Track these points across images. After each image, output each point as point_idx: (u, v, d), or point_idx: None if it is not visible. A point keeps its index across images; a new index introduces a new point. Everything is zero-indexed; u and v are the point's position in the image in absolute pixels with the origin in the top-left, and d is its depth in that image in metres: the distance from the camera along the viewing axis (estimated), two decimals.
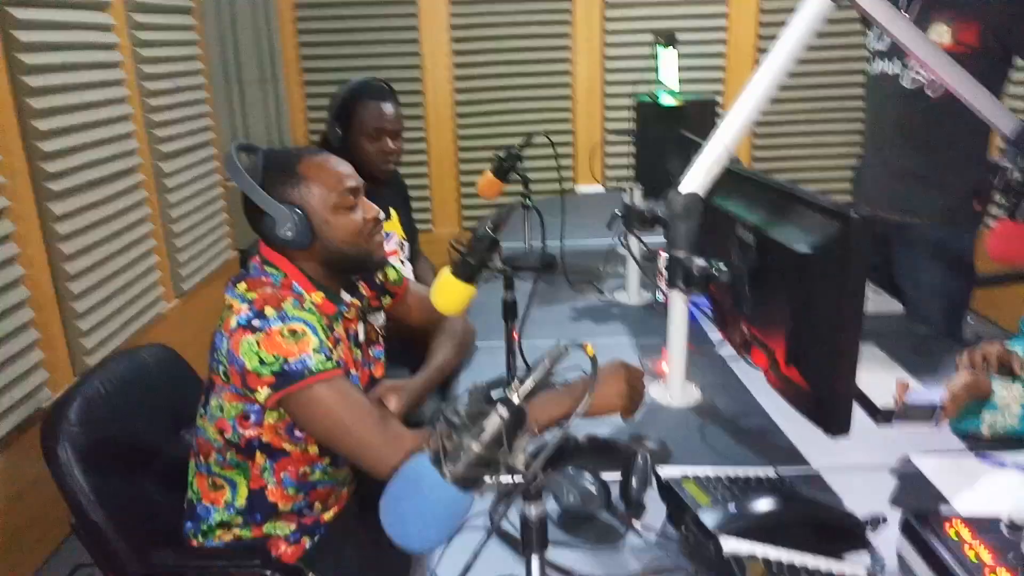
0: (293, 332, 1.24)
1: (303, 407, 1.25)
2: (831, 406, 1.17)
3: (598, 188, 3.07)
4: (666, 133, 1.91)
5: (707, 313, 1.82)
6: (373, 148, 2.10)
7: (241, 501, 1.39)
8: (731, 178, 1.50)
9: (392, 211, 2.26)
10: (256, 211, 1.33)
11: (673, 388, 1.49)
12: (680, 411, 1.47)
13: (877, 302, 1.89)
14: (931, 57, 1.40)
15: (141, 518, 1.38)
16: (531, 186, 2.21)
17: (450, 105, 3.61)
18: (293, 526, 1.44)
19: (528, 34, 3.54)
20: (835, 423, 1.19)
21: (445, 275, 1.39)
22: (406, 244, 2.31)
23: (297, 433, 1.35)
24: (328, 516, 1.49)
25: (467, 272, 1.38)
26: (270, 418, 1.32)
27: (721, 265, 1.36)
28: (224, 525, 1.41)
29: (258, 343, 1.23)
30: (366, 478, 1.61)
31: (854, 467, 1.26)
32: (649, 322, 1.87)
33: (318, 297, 1.37)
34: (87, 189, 2.34)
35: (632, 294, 2.02)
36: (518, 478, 0.75)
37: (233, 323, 1.26)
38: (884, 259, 2.18)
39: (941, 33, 1.98)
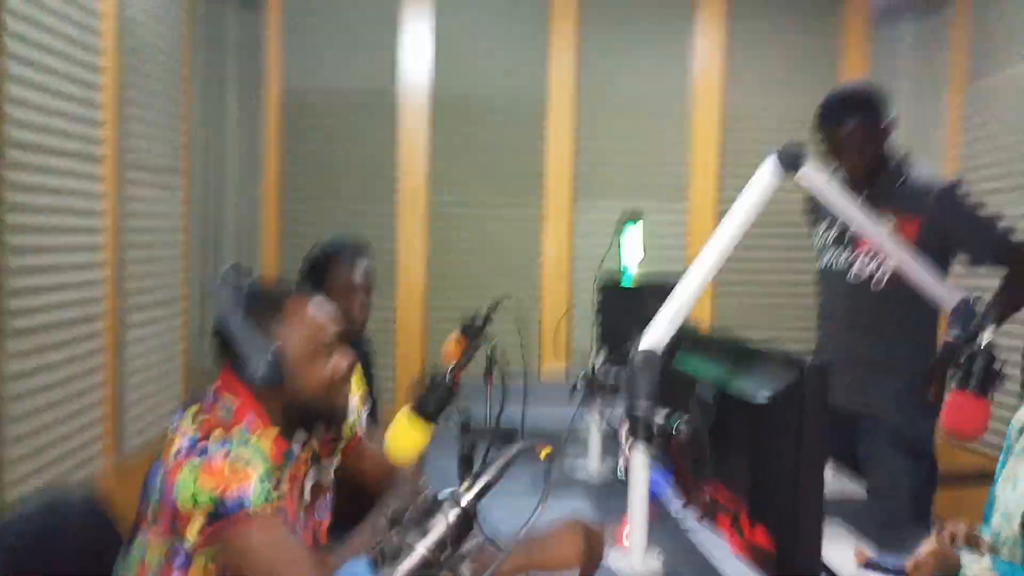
0: (236, 461, 1.19)
1: (235, 548, 1.17)
2: (798, 562, 1.12)
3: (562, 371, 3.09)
4: (628, 312, 1.97)
5: (669, 483, 1.78)
6: (344, 306, 2.12)
7: None
8: (690, 341, 1.54)
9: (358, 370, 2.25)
10: (226, 338, 1.30)
11: (634, 554, 1.41)
12: None
13: (841, 486, 1.86)
14: (873, 232, 1.50)
15: None
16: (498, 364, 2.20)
17: (423, 277, 3.70)
18: None
19: (501, 221, 3.72)
20: None
21: (401, 419, 1.36)
22: (364, 411, 2.27)
23: None
24: None
25: (424, 415, 1.36)
26: (197, 563, 1.22)
27: (682, 421, 1.35)
28: None
29: (196, 475, 1.17)
30: None
31: None
32: (610, 496, 1.81)
33: (271, 435, 1.31)
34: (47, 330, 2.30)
35: (592, 469, 1.97)
36: None
37: (173, 451, 1.20)
38: (847, 449, 2.17)
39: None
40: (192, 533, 1.15)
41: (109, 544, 1.41)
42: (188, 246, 3.35)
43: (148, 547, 1.22)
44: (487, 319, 2.23)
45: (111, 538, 1.44)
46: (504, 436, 2.25)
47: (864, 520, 1.67)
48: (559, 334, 3.39)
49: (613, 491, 1.86)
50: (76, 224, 2.48)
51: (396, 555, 0.67)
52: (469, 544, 0.69)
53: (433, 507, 0.69)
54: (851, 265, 2.18)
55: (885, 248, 1.50)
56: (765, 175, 1.43)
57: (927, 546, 1.22)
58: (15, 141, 2.09)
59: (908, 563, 1.18)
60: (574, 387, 1.89)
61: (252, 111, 3.59)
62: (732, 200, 1.49)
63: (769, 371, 1.21)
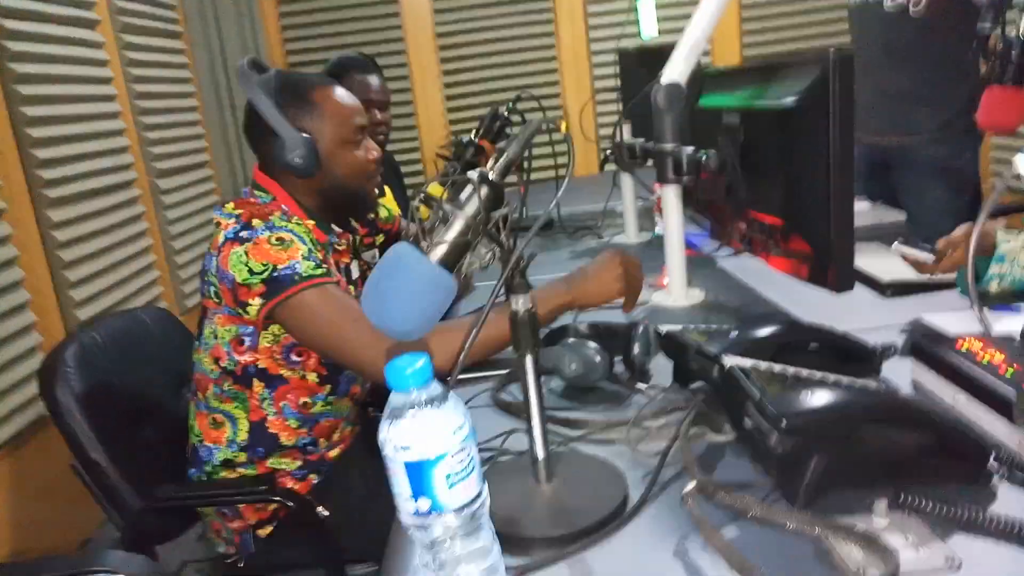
0: (280, 240, 1.23)
1: (295, 314, 1.21)
2: (834, 258, 1.15)
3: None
4: (650, 77, 1.91)
5: (706, 232, 1.80)
6: None
7: (243, 436, 1.35)
8: (711, 79, 1.51)
9: (386, 188, 2.27)
10: (261, 131, 1.30)
11: (675, 289, 1.46)
12: (684, 309, 1.44)
13: (879, 214, 1.86)
14: None
15: (142, 458, 1.36)
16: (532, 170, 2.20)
17: (438, 79, 3.65)
18: (299, 462, 1.40)
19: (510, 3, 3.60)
20: (839, 277, 1.16)
21: (432, 187, 1.38)
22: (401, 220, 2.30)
23: (294, 357, 1.32)
24: (334, 454, 1.45)
25: (455, 169, 1.37)
26: (264, 340, 1.29)
27: (710, 151, 1.35)
28: (228, 464, 1.37)
29: (246, 253, 1.21)
30: (370, 415, 1.58)
31: (860, 330, 1.22)
32: (649, 256, 1.84)
33: (308, 224, 1.35)
34: (85, 199, 2.36)
35: (630, 233, 1.99)
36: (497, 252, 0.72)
37: (221, 238, 1.24)
38: (886, 183, 2.16)
39: None
40: (254, 307, 1.21)
41: (182, 343, 1.51)
42: (203, 112, 3.35)
43: (218, 333, 1.29)
44: (509, 118, 2.21)
45: (183, 339, 1.54)
46: (544, 223, 2.29)
47: (904, 240, 1.68)
48: (587, 125, 3.35)
49: (652, 251, 1.89)
50: (89, 92, 2.48)
51: (436, 228, 0.70)
52: (499, 212, 0.72)
53: (464, 184, 0.71)
54: None
55: None
56: None
57: (959, 229, 1.22)
58: (6, 10, 2.07)
59: (940, 241, 1.19)
60: (603, 160, 1.88)
61: None
62: None
63: (792, 75, 1.19)
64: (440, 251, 0.70)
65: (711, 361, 0.94)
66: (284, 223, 1.26)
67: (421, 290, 0.70)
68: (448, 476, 0.59)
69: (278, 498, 1.28)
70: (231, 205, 1.31)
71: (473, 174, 0.71)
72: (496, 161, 0.74)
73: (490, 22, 3.59)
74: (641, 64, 2.08)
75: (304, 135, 1.29)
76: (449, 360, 1.08)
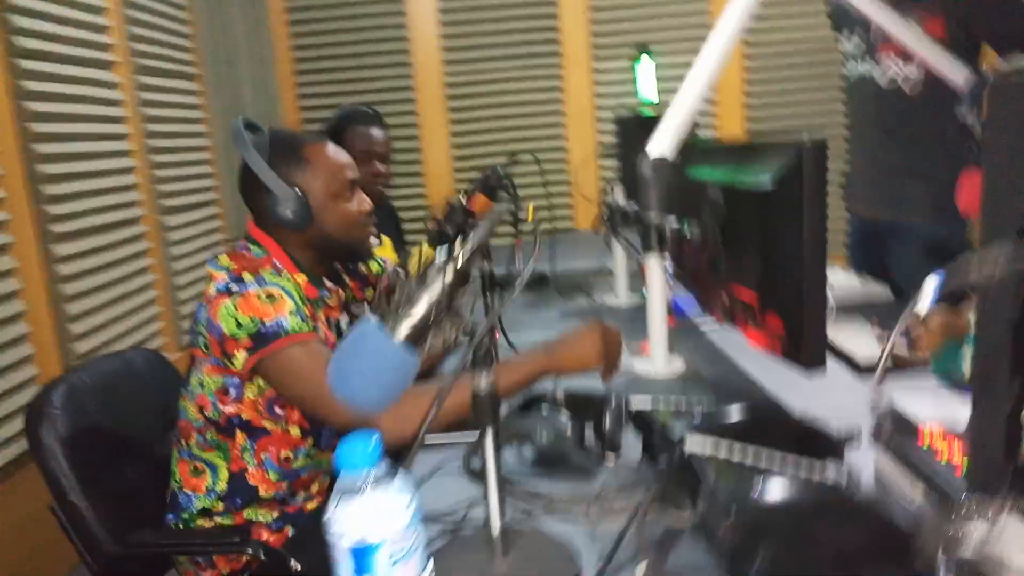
0: (270, 295, 1.26)
1: (278, 368, 1.25)
2: (805, 339, 1.17)
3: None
4: (646, 142, 1.96)
5: (692, 299, 1.83)
6: (363, 171, 2.16)
7: (222, 485, 1.37)
8: (700, 150, 1.55)
9: (384, 237, 2.31)
10: (254, 188, 1.35)
11: (656, 356, 1.48)
12: (664, 380, 1.46)
13: (865, 288, 1.88)
14: (887, 23, 1.46)
15: (121, 503, 1.37)
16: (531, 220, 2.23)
17: (445, 126, 3.71)
18: (275, 514, 1.41)
19: (518, 58, 3.67)
20: (811, 357, 1.18)
21: (423, 247, 1.41)
22: (400, 270, 2.34)
23: (277, 410, 1.35)
24: (311, 506, 1.46)
25: (444, 242, 1.41)
26: (249, 392, 1.32)
27: (692, 224, 1.38)
28: (205, 513, 1.39)
29: (235, 306, 1.24)
30: None
31: (834, 408, 1.23)
32: (637, 320, 1.86)
33: (300, 279, 1.39)
34: (91, 234, 2.41)
35: (621, 295, 2.02)
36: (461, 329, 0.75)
37: (212, 290, 1.28)
38: (877, 255, 2.18)
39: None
40: (240, 360, 1.24)
41: (171, 386, 1.54)
42: (214, 150, 3.42)
43: (204, 382, 1.32)
44: (505, 176, 2.26)
45: (173, 381, 1.56)
46: (537, 279, 2.33)
47: (890, 317, 1.70)
48: (589, 183, 3.39)
49: (641, 314, 1.91)
50: (101, 131, 2.55)
51: (401, 309, 0.73)
52: (464, 299, 0.75)
53: (431, 269, 0.75)
54: (881, 70, 2.11)
55: (900, 38, 1.46)
56: None
57: (935, 316, 1.24)
58: (23, 51, 2.14)
59: (917, 328, 1.21)
60: (600, 221, 1.92)
61: (255, 4, 3.55)
62: (755, 41, 1.44)
63: (771, 159, 1.23)
64: (404, 330, 0.73)
65: (673, 442, 0.96)
66: (274, 278, 1.30)
67: (383, 368, 0.73)
68: (391, 556, 0.61)
69: (250, 550, 1.29)
70: (224, 258, 1.34)
71: (441, 254, 0.75)
72: (464, 245, 0.77)
73: (499, 74, 3.66)
74: (639, 128, 2.13)
75: (295, 190, 1.33)
76: (415, 427, 1.10)
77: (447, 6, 3.61)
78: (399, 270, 0.70)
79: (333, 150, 1.41)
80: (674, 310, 1.86)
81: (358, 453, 0.58)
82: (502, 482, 0.81)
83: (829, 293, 1.73)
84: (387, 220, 2.38)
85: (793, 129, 3.63)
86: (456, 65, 3.66)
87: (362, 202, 1.44)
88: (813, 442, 1.03)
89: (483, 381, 0.78)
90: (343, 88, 3.65)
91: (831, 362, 1.44)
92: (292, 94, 3.68)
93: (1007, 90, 0.56)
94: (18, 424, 1.99)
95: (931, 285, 0.58)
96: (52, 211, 2.24)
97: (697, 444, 0.93)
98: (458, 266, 0.76)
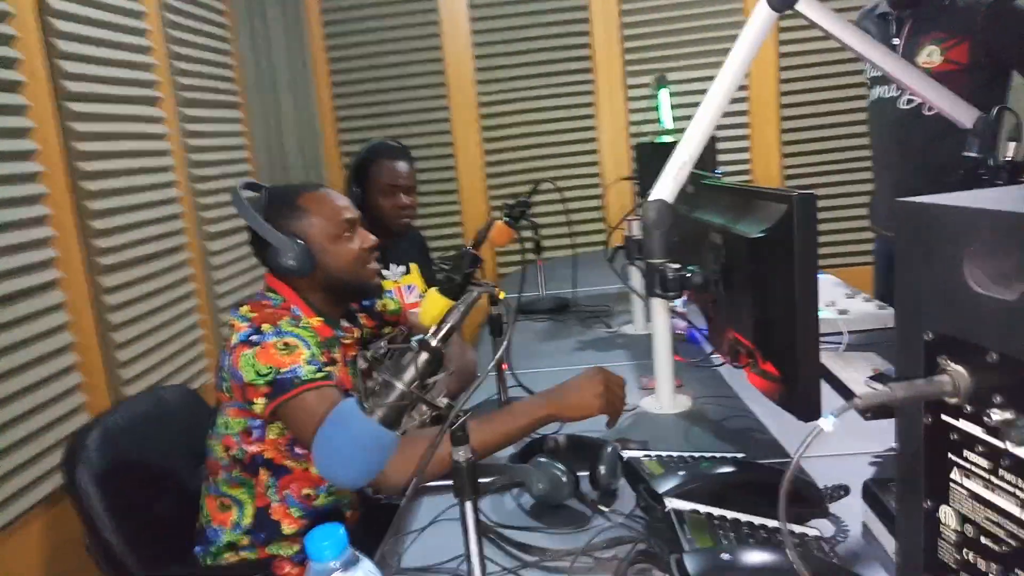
0: (286, 345, 1.33)
1: (294, 413, 1.32)
2: (798, 389, 1.19)
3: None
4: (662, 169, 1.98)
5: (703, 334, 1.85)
6: (388, 204, 2.24)
7: (247, 520, 1.45)
8: (705, 191, 1.57)
9: (412, 265, 2.38)
10: (261, 243, 1.44)
11: (662, 396, 1.50)
12: (669, 417, 1.49)
13: (883, 317, 1.87)
14: (884, 60, 1.46)
15: (153, 539, 1.46)
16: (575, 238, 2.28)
17: (479, 159, 3.77)
18: (297, 547, 1.48)
19: (553, 98, 3.71)
20: (804, 406, 1.19)
21: (431, 293, 1.47)
22: (379, 349, 2.40)
23: (297, 450, 1.42)
24: None
25: (451, 289, 1.46)
26: (271, 433, 1.40)
27: (694, 268, 1.41)
28: (231, 547, 1.46)
29: (255, 356, 1.32)
30: (371, 501, 1.66)
31: (835, 455, 1.25)
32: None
33: (316, 322, 1.46)
34: (136, 264, 2.53)
35: (638, 325, 2.05)
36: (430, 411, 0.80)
37: (234, 340, 1.36)
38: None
39: (931, 53, 2.04)
40: (259, 406, 1.32)
41: (202, 422, 1.61)
42: (257, 176, 3.54)
43: (229, 423, 1.40)
44: (528, 203, 2.31)
45: (203, 417, 1.65)
46: (558, 306, 2.37)
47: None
48: (623, 203, 3.40)
49: None
50: (146, 164, 2.67)
51: (378, 392, 0.78)
52: (437, 379, 0.80)
53: (406, 350, 0.80)
54: (901, 92, 2.09)
55: (895, 74, 1.45)
56: (758, 17, 1.41)
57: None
58: (71, 94, 2.26)
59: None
60: (615, 251, 1.96)
61: (296, 31, 3.66)
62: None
63: (765, 208, 1.25)
64: (379, 414, 0.78)
65: (659, 496, 1.00)
66: (291, 327, 1.37)
67: (364, 447, 0.79)
68: None
69: None
70: (246, 308, 1.42)
71: (415, 341, 0.80)
72: (439, 328, 0.82)
73: (532, 93, 3.70)
74: (657, 155, 2.15)
75: (295, 239, 1.40)
76: (414, 470, 1.15)
77: (480, 27, 3.67)
78: (377, 351, 0.74)
79: (328, 194, 1.48)
80: (688, 339, 1.89)
81: (325, 544, 0.64)
82: (482, 555, 0.85)
83: (842, 325, 1.74)
84: (414, 249, 2.45)
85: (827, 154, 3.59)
86: (488, 85, 3.72)
87: (364, 239, 1.51)
88: (800, 497, 1.05)
89: (461, 456, 0.83)
90: (380, 110, 3.74)
91: (836, 399, 1.46)
92: (331, 117, 3.79)
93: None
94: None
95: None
96: (99, 244, 2.37)
97: (677, 503, 0.96)
98: (431, 351, 0.81)
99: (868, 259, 2.57)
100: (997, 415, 0.49)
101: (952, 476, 0.55)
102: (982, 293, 0.49)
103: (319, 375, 1.33)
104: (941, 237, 0.54)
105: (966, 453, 0.53)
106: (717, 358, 1.70)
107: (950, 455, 0.54)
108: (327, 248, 1.45)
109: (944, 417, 0.55)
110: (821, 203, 3.75)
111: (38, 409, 2.01)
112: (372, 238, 1.53)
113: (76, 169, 2.30)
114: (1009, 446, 0.49)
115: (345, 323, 1.56)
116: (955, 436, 0.54)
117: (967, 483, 0.53)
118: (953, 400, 0.52)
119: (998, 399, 0.49)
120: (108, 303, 2.39)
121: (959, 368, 0.52)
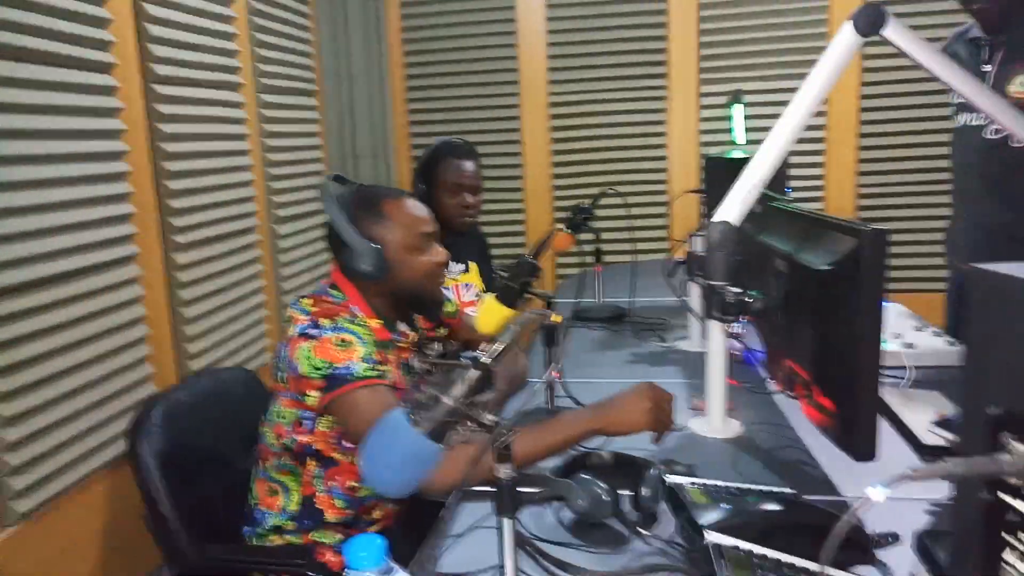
0: (343, 341, 1.36)
1: (345, 408, 1.35)
2: (855, 427, 1.16)
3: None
4: (730, 185, 1.95)
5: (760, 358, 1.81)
6: (453, 202, 2.26)
7: (294, 507, 1.49)
8: (773, 214, 1.54)
9: (471, 264, 2.40)
10: (338, 240, 1.47)
11: (712, 419, 1.48)
12: (717, 442, 1.47)
13: (954, 354, 1.80)
14: (971, 91, 1.41)
15: (205, 517, 1.51)
16: (636, 245, 2.27)
17: (547, 161, 3.77)
18: (340, 536, 1.52)
19: (624, 102, 3.68)
20: (860, 445, 1.16)
21: (488, 300, 1.48)
22: (484, 295, 2.42)
23: (346, 444, 1.45)
24: (374, 530, 1.56)
25: (509, 297, 1.47)
26: (322, 425, 1.43)
27: (755, 293, 1.38)
28: (277, 530, 1.51)
29: (312, 350, 1.35)
30: (415, 496, 1.69)
31: (889, 498, 1.21)
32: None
33: (375, 323, 1.49)
34: (208, 243, 2.62)
35: (694, 341, 2.02)
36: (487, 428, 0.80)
37: (293, 332, 1.40)
38: None
39: (1023, 83, 1.95)
40: (312, 398, 1.35)
41: (259, 406, 1.66)
42: (327, 163, 3.62)
43: (282, 412, 1.44)
44: (591, 210, 2.30)
45: (262, 401, 1.70)
46: (615, 315, 2.36)
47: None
48: (689, 214, 3.36)
49: None
50: (224, 148, 2.76)
51: (427, 405, 0.79)
52: (484, 395, 0.81)
53: (457, 366, 0.81)
54: (988, 121, 2.01)
55: (982, 104, 1.40)
56: (842, 40, 1.37)
57: None
58: (159, 77, 2.35)
59: None
60: (675, 265, 1.94)
61: (375, 23, 3.72)
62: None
63: (832, 239, 1.22)
64: (426, 424, 0.80)
65: (699, 527, 0.99)
66: (349, 324, 1.40)
67: (409, 459, 0.80)
68: None
69: (312, 573, 1.40)
70: (307, 301, 1.46)
71: (466, 357, 0.81)
72: (491, 347, 0.83)
73: (604, 95, 3.68)
74: (726, 170, 2.12)
75: (373, 244, 1.43)
76: (460, 477, 1.16)
77: (556, 27, 3.66)
78: (429, 355, 0.76)
79: (411, 205, 1.49)
80: (744, 362, 1.86)
81: (364, 555, 0.65)
82: (517, 571, 0.86)
83: (907, 359, 1.69)
84: (475, 248, 2.46)
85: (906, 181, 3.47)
86: (560, 86, 3.71)
87: (437, 253, 1.52)
88: (846, 541, 1.02)
89: (504, 473, 0.84)
90: (451, 104, 3.77)
91: (895, 439, 1.42)
92: (403, 110, 3.84)
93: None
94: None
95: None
96: (175, 223, 2.46)
97: (718, 536, 0.95)
98: (485, 365, 0.82)
99: (942, 286, 2.48)
100: None
101: (1006, 556, 0.53)
102: None
103: (373, 373, 1.35)
104: (1015, 310, 0.52)
105: (1021, 535, 0.51)
106: (772, 384, 1.67)
107: (1005, 534, 0.53)
108: (402, 258, 1.47)
109: (1002, 495, 0.53)
110: (896, 226, 3.67)
111: (110, 376, 2.11)
112: (445, 253, 1.54)
113: (159, 150, 2.39)
114: None
115: (402, 326, 1.58)
116: (1012, 516, 0.52)
117: (1021, 566, 0.52)
118: (1014, 480, 0.51)
119: None
120: (180, 279, 2.48)
121: (1022, 447, 0.50)
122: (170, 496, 1.44)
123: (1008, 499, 0.53)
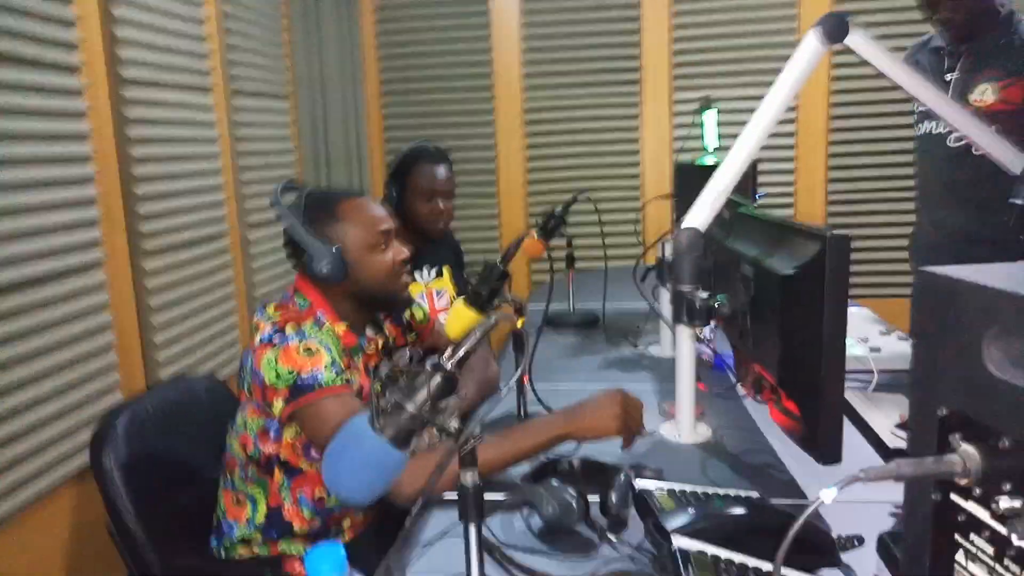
0: (308, 349, 1.35)
1: (312, 419, 1.33)
2: (820, 431, 1.16)
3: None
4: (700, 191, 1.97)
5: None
6: (425, 208, 2.25)
7: (260, 518, 1.47)
8: (740, 219, 1.55)
9: (444, 269, 2.39)
10: (295, 246, 1.46)
11: (682, 424, 1.49)
12: (687, 447, 1.47)
13: None
14: (932, 98, 1.43)
15: (171, 528, 1.49)
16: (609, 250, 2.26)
17: (522, 166, 3.78)
18: (308, 547, 1.50)
19: (598, 108, 3.70)
20: (825, 449, 1.17)
21: (457, 305, 1.48)
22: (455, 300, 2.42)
23: (313, 453, 1.43)
24: (343, 540, 1.54)
25: (478, 302, 1.47)
26: (287, 435, 1.41)
27: (723, 298, 1.39)
28: (244, 542, 1.49)
29: (276, 358, 1.34)
30: (384, 505, 1.68)
31: (854, 501, 1.22)
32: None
33: (341, 328, 1.47)
34: (177, 249, 2.59)
35: (665, 347, 2.03)
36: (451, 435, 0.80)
37: (257, 340, 1.38)
38: None
39: (985, 91, 1.99)
40: (278, 407, 1.33)
41: (227, 415, 1.64)
42: (301, 167, 3.59)
43: (247, 422, 1.43)
44: (563, 216, 2.30)
45: (230, 410, 1.68)
46: (587, 321, 2.36)
47: None
48: (662, 218, 3.39)
49: None
50: (194, 151, 2.73)
51: (389, 412, 0.79)
52: (449, 401, 0.80)
53: (420, 371, 0.80)
54: (951, 129, 2.04)
55: (945, 114, 1.42)
56: (807, 48, 1.39)
57: None
58: (127, 79, 2.32)
59: None
60: (646, 271, 1.95)
61: (349, 28, 3.70)
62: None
63: (797, 244, 1.23)
64: (389, 433, 0.79)
65: (667, 532, 0.99)
66: (315, 331, 1.39)
67: (372, 466, 0.79)
68: None
69: None
70: (272, 309, 1.45)
71: (429, 363, 0.80)
72: (454, 352, 0.83)
73: (578, 101, 3.69)
74: (697, 176, 2.13)
75: (330, 245, 1.41)
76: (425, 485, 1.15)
77: (531, 32, 3.67)
78: (392, 370, 0.75)
79: (366, 204, 1.49)
80: (715, 366, 1.87)
81: (325, 565, 0.65)
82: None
83: (873, 363, 1.71)
84: (448, 253, 2.45)
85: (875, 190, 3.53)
86: (535, 92, 3.72)
87: (398, 252, 1.51)
88: (811, 544, 1.03)
89: (469, 480, 0.83)
90: (426, 109, 3.76)
91: (861, 443, 1.43)
92: (377, 115, 3.82)
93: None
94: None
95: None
96: (143, 228, 2.42)
97: (685, 541, 0.95)
98: (447, 370, 0.81)
99: (909, 291, 2.51)
100: (1005, 503, 0.47)
101: (957, 558, 0.54)
102: (999, 377, 0.48)
103: (338, 380, 1.34)
104: (962, 314, 0.52)
105: (972, 536, 0.52)
106: (741, 389, 1.68)
107: (957, 536, 0.53)
108: (361, 258, 1.46)
109: (953, 497, 0.53)
110: (865, 232, 3.69)
111: (76, 385, 2.07)
112: (405, 251, 1.53)
113: (126, 154, 2.36)
114: (1014, 538, 0.47)
115: (370, 331, 1.57)
116: (963, 517, 0.53)
117: (971, 567, 0.52)
118: (963, 481, 0.51)
119: (1007, 486, 0.48)
120: (148, 286, 2.44)
121: (971, 449, 0.51)
122: (135, 508, 1.42)
123: (959, 500, 0.53)
